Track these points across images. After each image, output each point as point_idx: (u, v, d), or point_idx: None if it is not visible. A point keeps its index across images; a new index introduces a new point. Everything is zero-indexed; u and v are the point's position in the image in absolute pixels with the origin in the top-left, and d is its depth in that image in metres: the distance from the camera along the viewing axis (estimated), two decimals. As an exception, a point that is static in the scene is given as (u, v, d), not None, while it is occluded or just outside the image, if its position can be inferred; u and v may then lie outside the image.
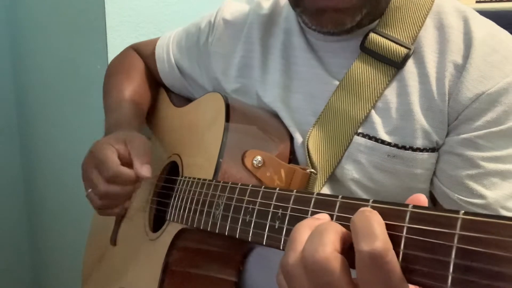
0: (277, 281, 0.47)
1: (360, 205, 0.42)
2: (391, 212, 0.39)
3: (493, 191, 0.71)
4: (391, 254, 0.38)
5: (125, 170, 0.79)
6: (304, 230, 0.45)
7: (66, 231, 1.81)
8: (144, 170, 0.79)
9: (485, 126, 0.70)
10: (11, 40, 1.92)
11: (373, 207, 0.41)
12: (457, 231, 0.33)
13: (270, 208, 0.57)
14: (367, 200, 0.43)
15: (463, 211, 0.34)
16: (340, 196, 0.46)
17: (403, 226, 0.38)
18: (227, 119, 0.78)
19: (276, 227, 0.55)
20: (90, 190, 0.82)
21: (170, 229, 0.81)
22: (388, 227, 0.38)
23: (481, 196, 0.71)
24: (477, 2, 1.40)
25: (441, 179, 0.75)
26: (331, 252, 0.40)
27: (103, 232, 1.05)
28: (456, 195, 0.73)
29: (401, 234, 0.38)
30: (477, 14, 0.76)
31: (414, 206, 0.38)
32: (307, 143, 0.78)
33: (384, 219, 0.39)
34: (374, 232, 0.38)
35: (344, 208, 0.45)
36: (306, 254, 0.42)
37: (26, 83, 1.91)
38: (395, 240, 0.38)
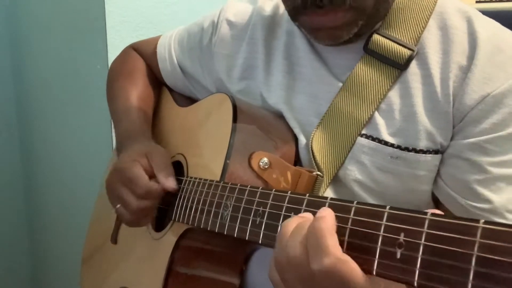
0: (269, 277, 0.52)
1: (376, 211, 0.43)
2: (410, 219, 0.40)
3: (499, 195, 0.72)
4: (345, 266, 0.42)
5: (156, 185, 0.80)
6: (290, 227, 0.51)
7: (66, 231, 1.80)
8: (170, 183, 0.80)
9: (492, 129, 0.70)
10: (11, 40, 1.91)
11: (390, 214, 0.41)
12: (478, 239, 0.33)
13: (282, 210, 0.57)
14: (384, 207, 0.43)
15: (483, 220, 0.34)
16: (355, 202, 0.47)
17: (422, 232, 0.38)
18: (235, 120, 0.78)
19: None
20: (119, 206, 0.83)
21: (175, 229, 0.82)
22: (406, 233, 0.39)
23: (487, 201, 0.72)
24: (477, 2, 1.40)
25: (448, 183, 0.75)
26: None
27: (105, 221, 1.05)
28: (464, 200, 0.73)
29: (420, 242, 0.38)
30: (480, 14, 0.76)
31: (433, 214, 0.38)
32: (311, 145, 0.78)
33: (402, 225, 0.39)
34: (322, 248, 0.41)
35: (360, 214, 0.45)
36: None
37: (26, 83, 1.90)
38: (413, 246, 0.39)
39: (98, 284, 1.05)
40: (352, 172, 0.76)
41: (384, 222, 0.42)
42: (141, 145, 0.88)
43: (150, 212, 0.83)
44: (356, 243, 0.45)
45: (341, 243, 0.46)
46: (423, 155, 0.74)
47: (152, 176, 0.82)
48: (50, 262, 2.00)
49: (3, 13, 1.88)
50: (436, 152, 0.74)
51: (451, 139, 0.74)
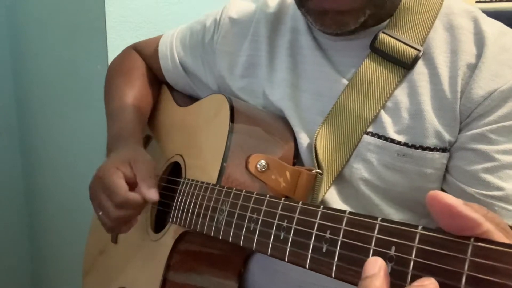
0: None
1: (368, 223, 0.42)
2: (401, 233, 0.39)
3: (510, 183, 0.71)
4: None
5: (133, 196, 0.79)
6: None
7: (66, 230, 1.80)
8: (152, 194, 0.79)
9: (496, 121, 0.71)
10: (11, 40, 1.91)
11: (381, 226, 0.41)
12: (468, 256, 0.33)
13: (275, 218, 0.56)
14: (375, 218, 0.42)
15: (473, 238, 0.34)
16: (347, 212, 0.46)
17: (413, 247, 0.37)
18: (232, 121, 0.78)
19: (282, 237, 0.54)
20: (101, 213, 0.82)
21: (173, 231, 0.81)
22: (397, 247, 0.38)
23: (498, 188, 0.71)
24: (477, 2, 1.39)
25: (455, 175, 0.75)
26: None
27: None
28: (472, 189, 0.72)
29: (410, 257, 0.37)
30: (484, 14, 0.77)
31: (424, 228, 0.37)
32: (315, 143, 0.78)
33: (392, 238, 0.38)
34: None
35: (352, 224, 0.45)
36: None
37: (26, 83, 1.90)
38: (404, 261, 0.38)
39: (100, 285, 1.05)
40: (358, 170, 0.76)
41: (375, 234, 0.41)
42: (127, 150, 0.87)
43: (129, 220, 0.83)
44: (347, 255, 0.44)
45: (333, 253, 0.45)
46: (430, 152, 0.74)
47: (134, 184, 0.81)
48: (50, 262, 2.00)
49: (3, 13, 1.89)
50: (443, 150, 0.74)
51: (458, 134, 0.74)
